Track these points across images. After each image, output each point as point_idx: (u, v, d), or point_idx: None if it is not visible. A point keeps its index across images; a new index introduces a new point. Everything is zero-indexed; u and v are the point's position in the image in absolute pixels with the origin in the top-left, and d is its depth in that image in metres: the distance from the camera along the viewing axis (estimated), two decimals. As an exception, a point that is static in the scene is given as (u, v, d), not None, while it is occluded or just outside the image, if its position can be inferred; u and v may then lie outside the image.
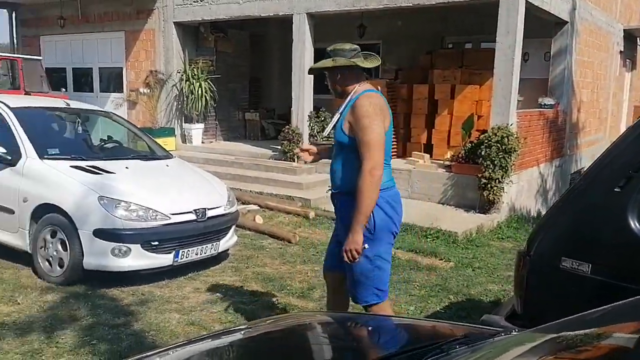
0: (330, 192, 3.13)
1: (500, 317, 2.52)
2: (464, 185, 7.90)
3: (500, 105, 7.68)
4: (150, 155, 5.68)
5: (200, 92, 11.07)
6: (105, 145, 5.66)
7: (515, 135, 7.43)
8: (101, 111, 6.33)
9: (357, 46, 3.11)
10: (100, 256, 4.40)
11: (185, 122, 11.57)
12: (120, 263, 4.42)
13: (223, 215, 5.10)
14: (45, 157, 4.82)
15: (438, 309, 4.40)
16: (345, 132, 2.89)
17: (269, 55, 13.54)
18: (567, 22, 9.51)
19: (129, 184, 4.74)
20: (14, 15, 13.91)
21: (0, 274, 4.76)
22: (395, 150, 9.65)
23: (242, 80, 12.82)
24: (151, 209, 4.54)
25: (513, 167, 7.49)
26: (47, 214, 4.60)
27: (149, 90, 11.79)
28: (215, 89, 11.20)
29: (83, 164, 4.85)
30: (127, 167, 5.03)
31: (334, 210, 3.17)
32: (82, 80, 13.19)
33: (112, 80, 12.78)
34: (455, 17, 10.63)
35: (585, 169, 11.65)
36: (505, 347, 1.33)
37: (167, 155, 5.79)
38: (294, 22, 9.57)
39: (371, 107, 2.82)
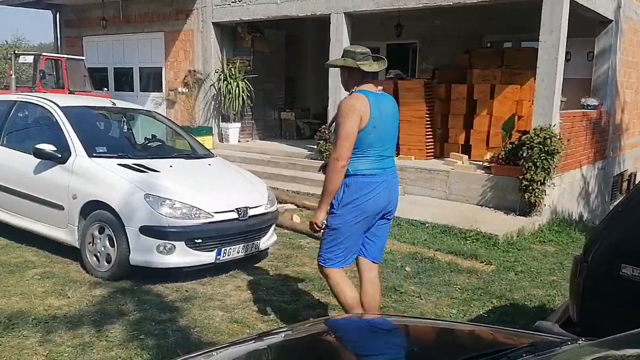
0: None
1: (553, 324, 2.47)
2: (503, 187, 7.78)
3: (542, 106, 7.53)
4: (193, 154, 5.77)
5: (237, 91, 11.19)
6: (149, 144, 5.78)
7: (558, 137, 7.27)
8: (145, 110, 6.47)
9: (368, 50, 3.46)
10: (146, 253, 4.50)
11: (222, 121, 11.71)
12: (165, 260, 4.51)
13: (264, 214, 5.14)
14: (94, 155, 4.95)
15: (481, 312, 4.35)
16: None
17: (304, 55, 13.59)
18: (611, 20, 9.26)
19: (174, 182, 4.82)
20: (58, 16, 14.31)
21: (51, 268, 4.91)
22: (433, 150, 9.59)
23: (278, 80, 12.89)
24: (195, 207, 4.62)
25: (555, 169, 7.33)
26: (95, 211, 4.72)
27: (187, 90, 11.98)
28: (251, 88, 11.31)
29: (129, 162, 4.97)
30: (171, 166, 5.12)
31: None
32: (123, 80, 13.48)
33: (152, 80, 13.02)
34: (495, 16, 10.45)
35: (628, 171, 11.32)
36: (577, 358, 1.30)
37: (209, 154, 5.88)
38: (332, 21, 9.58)
39: (346, 107, 3.25)
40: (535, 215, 7.39)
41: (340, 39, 9.50)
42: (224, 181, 5.24)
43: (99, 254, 4.74)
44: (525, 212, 7.43)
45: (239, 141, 11.77)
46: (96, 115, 5.78)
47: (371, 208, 3.36)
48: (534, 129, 7.37)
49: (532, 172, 7.16)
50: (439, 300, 4.56)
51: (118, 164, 4.88)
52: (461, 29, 10.97)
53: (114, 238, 4.59)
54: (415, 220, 7.14)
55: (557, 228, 7.28)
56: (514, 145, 7.70)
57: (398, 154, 9.73)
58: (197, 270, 4.77)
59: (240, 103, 11.29)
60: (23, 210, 5.29)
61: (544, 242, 6.78)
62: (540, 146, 7.13)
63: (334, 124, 3.41)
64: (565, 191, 8.33)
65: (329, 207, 3.36)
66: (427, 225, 6.98)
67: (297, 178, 9.11)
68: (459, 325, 2.28)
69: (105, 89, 12.78)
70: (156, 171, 4.91)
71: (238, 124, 11.74)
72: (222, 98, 11.34)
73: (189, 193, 4.71)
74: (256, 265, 5.31)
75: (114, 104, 5.85)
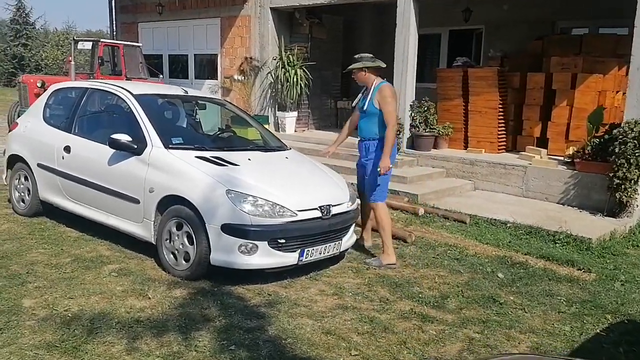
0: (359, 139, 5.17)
1: None
2: (589, 184, 7.21)
3: (637, 97, 6.90)
4: (268, 146, 5.46)
5: (295, 79, 10.87)
6: (222, 135, 5.50)
7: (656, 131, 6.65)
8: (216, 99, 6.20)
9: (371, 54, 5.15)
10: (227, 252, 4.22)
11: (278, 110, 11.42)
12: (247, 261, 4.22)
13: (346, 212, 4.80)
14: (170, 146, 4.69)
15: (598, 330, 3.90)
16: (375, 105, 4.99)
17: (360, 42, 13.11)
18: None
19: (255, 177, 4.51)
20: (113, 2, 14.25)
21: (126, 264, 4.70)
22: (505, 144, 9.06)
23: (334, 68, 12.47)
24: (278, 204, 4.31)
25: (651, 167, 6.72)
26: (173, 206, 4.47)
27: (243, 77, 11.73)
28: (310, 76, 10.96)
29: (207, 154, 4.69)
30: (249, 159, 4.82)
31: (361, 152, 5.18)
32: (178, 67, 13.33)
33: (207, 67, 12.83)
34: (570, 1, 9.77)
35: None
36: None
37: (283, 146, 5.56)
38: (398, 6, 9.10)
39: (391, 91, 5.01)
40: (625, 216, 6.81)
41: (407, 25, 9.02)
42: (304, 176, 4.92)
43: (176, 252, 4.49)
44: (614, 213, 6.86)
45: (295, 131, 11.46)
46: (169, 104, 5.53)
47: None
48: (627, 122, 6.78)
49: (624, 170, 6.59)
50: (545, 315, 4.13)
51: (196, 156, 4.61)
52: (531, 14, 10.30)
53: (193, 236, 4.32)
54: (495, 220, 6.68)
55: (651, 231, 6.69)
56: (602, 140, 7.12)
57: (466, 146, 9.24)
58: (276, 271, 4.47)
59: (298, 91, 10.97)
60: (96, 203, 5.11)
61: (639, 246, 6.22)
62: (635, 141, 6.55)
63: (363, 102, 5.10)
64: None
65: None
66: (508, 225, 6.51)
67: (345, 168, 8.72)
68: None
69: (161, 75, 12.66)
70: (235, 165, 4.61)
71: (295, 113, 11.43)
72: (280, 86, 11.04)
73: (271, 189, 4.40)
74: (335, 266, 4.99)
75: (186, 92, 5.58)
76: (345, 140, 5.63)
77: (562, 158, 8.14)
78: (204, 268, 4.34)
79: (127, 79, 11.32)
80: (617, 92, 8.56)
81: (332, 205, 4.63)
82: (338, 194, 4.82)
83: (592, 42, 9.00)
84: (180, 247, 4.44)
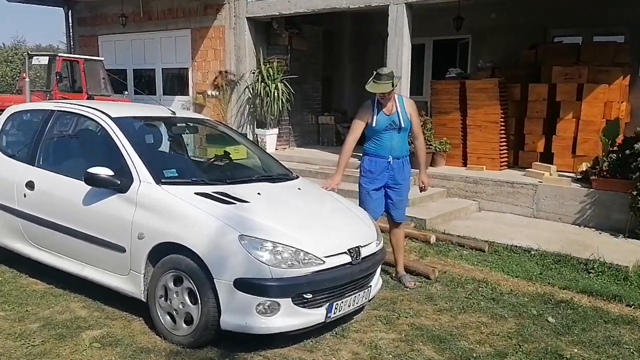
0: (391, 160, 4.80)
1: None
2: (607, 203, 6.71)
3: (659, 110, 6.45)
4: (275, 175, 4.64)
5: (276, 94, 10.10)
6: (222, 164, 4.67)
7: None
8: (207, 120, 5.34)
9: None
10: (242, 314, 3.39)
11: (257, 127, 10.61)
12: (268, 323, 3.40)
13: (375, 254, 4.04)
14: (163, 181, 3.84)
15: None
16: (409, 119, 4.79)
17: (340, 53, 12.50)
18: None
19: (270, 217, 3.70)
20: (70, 13, 13.18)
21: (109, 327, 3.80)
22: (506, 159, 8.51)
23: (315, 81, 11.79)
24: (302, 250, 3.51)
25: (677, 184, 6.25)
26: (169, 255, 3.62)
27: (218, 92, 10.88)
28: (291, 90, 10.22)
29: (209, 189, 3.86)
30: (259, 194, 4.01)
31: (391, 173, 4.84)
32: (144, 82, 12.35)
33: (177, 82, 11.93)
34: (562, 8, 9.37)
35: None
36: None
37: (290, 174, 4.76)
38: (390, 14, 8.48)
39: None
40: (650, 237, 6.32)
41: (400, 34, 8.41)
42: (325, 213, 4.13)
43: (175, 313, 3.63)
44: (637, 234, 6.36)
45: (276, 149, 10.66)
46: (155, 129, 4.65)
47: None
48: (650, 137, 6.31)
49: (650, 188, 6.10)
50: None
51: (195, 193, 3.77)
52: (521, 23, 9.86)
53: (197, 293, 3.48)
54: (515, 247, 6.06)
55: (680, 253, 6.19)
56: (620, 155, 6.63)
57: (465, 163, 8.66)
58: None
59: (280, 107, 10.20)
60: (68, 250, 4.20)
61: (672, 272, 5.70)
62: (661, 157, 6.07)
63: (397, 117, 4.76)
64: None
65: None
66: (532, 252, 5.89)
67: (356, 193, 8.00)
68: None
69: (126, 92, 11.68)
70: (245, 202, 3.80)
71: (275, 130, 10.64)
72: (260, 101, 10.24)
73: (292, 232, 3.60)
74: (359, 316, 4.21)
75: (173, 113, 4.72)
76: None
77: (572, 175, 7.64)
78: (211, 333, 3.50)
79: (89, 96, 10.33)
80: (622, 102, 8.15)
81: (362, 247, 3.87)
82: (366, 232, 4.06)
83: (590, 50, 8.57)
84: (180, 307, 3.59)
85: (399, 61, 8.40)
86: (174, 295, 3.61)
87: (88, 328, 3.80)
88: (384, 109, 4.73)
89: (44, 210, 4.29)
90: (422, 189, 5.15)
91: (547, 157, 8.23)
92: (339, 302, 3.69)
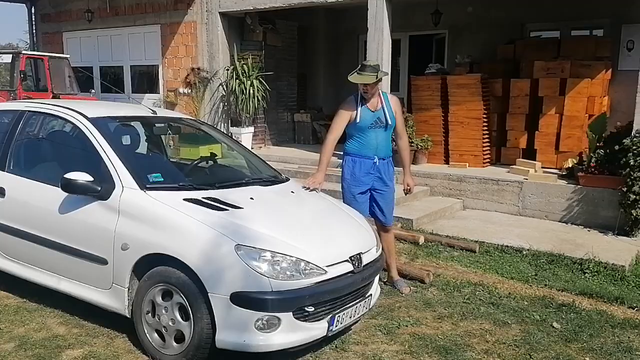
0: (377, 160, 4.52)
1: None
2: (595, 200, 6.66)
3: (647, 105, 6.42)
4: (265, 177, 4.37)
5: (252, 91, 9.78)
6: (207, 167, 4.36)
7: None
8: (190, 119, 5.02)
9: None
10: (240, 331, 3.11)
11: (232, 126, 10.27)
12: (267, 340, 3.14)
13: (375, 260, 3.82)
14: (148, 186, 3.53)
15: None
16: (394, 116, 4.53)
17: (314, 49, 12.24)
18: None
19: (266, 224, 3.43)
20: (33, 10, 12.56)
21: (91, 346, 3.48)
22: (489, 156, 8.43)
23: (290, 77, 11.52)
24: (303, 260, 3.26)
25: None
26: (157, 267, 3.32)
27: (190, 90, 10.50)
28: (267, 87, 9.92)
29: (198, 195, 3.57)
30: (252, 198, 3.74)
31: (377, 175, 4.57)
32: (111, 80, 11.85)
33: (146, 79, 11.47)
34: (540, 2, 9.33)
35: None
36: None
37: (279, 177, 4.50)
38: (369, 8, 8.25)
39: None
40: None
41: (380, 28, 8.18)
42: (322, 218, 3.87)
43: (164, 330, 3.34)
44: (626, 232, 6.32)
45: (252, 148, 10.34)
46: (136, 130, 4.31)
47: None
48: (638, 131, 6.27)
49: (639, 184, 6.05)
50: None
51: (184, 199, 3.48)
52: (497, 17, 9.78)
53: (189, 309, 3.20)
54: (506, 246, 5.94)
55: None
56: (608, 151, 6.58)
57: (447, 161, 8.54)
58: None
59: (255, 104, 9.88)
60: (42, 262, 3.85)
61: (663, 268, 5.67)
62: (650, 153, 6.04)
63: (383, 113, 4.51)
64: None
65: None
66: (524, 252, 5.78)
67: (339, 192, 7.78)
68: None
69: (93, 91, 11.18)
70: (238, 207, 3.52)
71: (251, 129, 10.31)
72: (235, 99, 9.90)
73: (290, 240, 3.34)
74: (357, 326, 3.99)
75: (154, 112, 4.39)
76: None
77: (556, 171, 7.60)
78: (205, 352, 3.21)
79: (54, 95, 9.81)
80: (604, 96, 8.15)
81: (363, 253, 3.64)
82: (366, 238, 3.83)
83: (570, 45, 8.54)
84: (170, 323, 3.30)
85: (380, 56, 8.18)
86: (163, 311, 3.32)
87: (68, 347, 3.48)
88: (368, 105, 4.44)
89: (15, 218, 3.92)
90: (407, 192, 4.88)
91: (530, 154, 8.17)
92: (341, 314, 3.45)
